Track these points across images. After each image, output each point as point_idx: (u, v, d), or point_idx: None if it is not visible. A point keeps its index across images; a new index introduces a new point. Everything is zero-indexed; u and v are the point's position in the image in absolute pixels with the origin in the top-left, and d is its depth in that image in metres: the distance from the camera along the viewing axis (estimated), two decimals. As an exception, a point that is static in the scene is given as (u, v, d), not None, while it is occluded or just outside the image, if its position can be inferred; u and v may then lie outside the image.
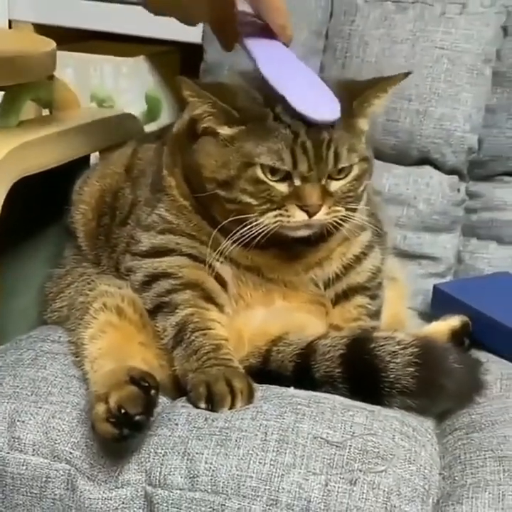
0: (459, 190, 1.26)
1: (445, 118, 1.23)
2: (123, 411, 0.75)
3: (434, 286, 1.15)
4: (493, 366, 0.98)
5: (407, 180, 1.25)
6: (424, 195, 1.25)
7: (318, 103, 0.84)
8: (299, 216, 0.85)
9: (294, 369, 0.87)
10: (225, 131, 0.86)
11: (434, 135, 1.23)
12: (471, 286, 1.16)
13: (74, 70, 1.63)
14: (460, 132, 1.23)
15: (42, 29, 1.67)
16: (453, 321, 1.04)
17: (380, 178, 1.24)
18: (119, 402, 0.75)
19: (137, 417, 0.75)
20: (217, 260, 0.90)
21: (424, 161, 1.26)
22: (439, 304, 1.14)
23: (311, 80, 0.87)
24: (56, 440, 0.81)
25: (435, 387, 0.84)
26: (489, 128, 1.24)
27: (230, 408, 0.82)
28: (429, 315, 1.12)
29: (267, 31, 0.89)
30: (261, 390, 0.85)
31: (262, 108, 0.85)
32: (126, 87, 1.62)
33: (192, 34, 1.39)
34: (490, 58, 1.24)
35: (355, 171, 0.87)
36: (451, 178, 1.26)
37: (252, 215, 0.85)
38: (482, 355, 1.00)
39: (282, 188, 0.84)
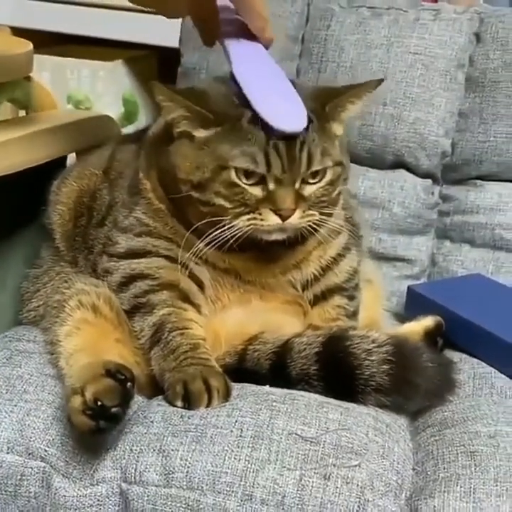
0: (432, 194, 1.28)
1: (419, 122, 1.25)
2: (99, 403, 0.75)
3: (408, 288, 1.17)
4: (465, 366, 0.99)
5: (382, 184, 1.27)
6: (399, 199, 1.26)
7: (286, 112, 0.84)
8: (273, 220, 0.85)
9: (270, 367, 0.88)
10: (200, 133, 0.86)
11: (409, 139, 1.25)
12: (444, 287, 1.17)
13: (51, 74, 1.63)
14: (434, 136, 1.25)
15: (19, 33, 1.66)
16: (427, 322, 1.05)
17: (355, 181, 1.26)
18: (95, 395, 0.75)
19: (114, 409, 0.75)
20: (193, 262, 0.91)
21: (399, 164, 1.28)
22: (413, 305, 1.15)
23: (282, 86, 0.88)
24: (31, 438, 0.81)
25: (409, 385, 0.85)
26: (462, 132, 1.26)
27: (207, 407, 0.82)
28: (404, 316, 1.13)
29: (247, 31, 0.89)
30: (237, 388, 0.85)
31: (237, 109, 0.85)
32: (103, 91, 1.62)
33: (169, 38, 1.40)
34: (463, 63, 1.26)
35: (329, 176, 0.88)
36: (425, 181, 1.28)
37: (225, 217, 0.85)
38: (455, 355, 1.02)
39: (256, 191, 0.85)
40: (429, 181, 1.28)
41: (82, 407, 0.76)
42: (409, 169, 1.27)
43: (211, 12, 0.86)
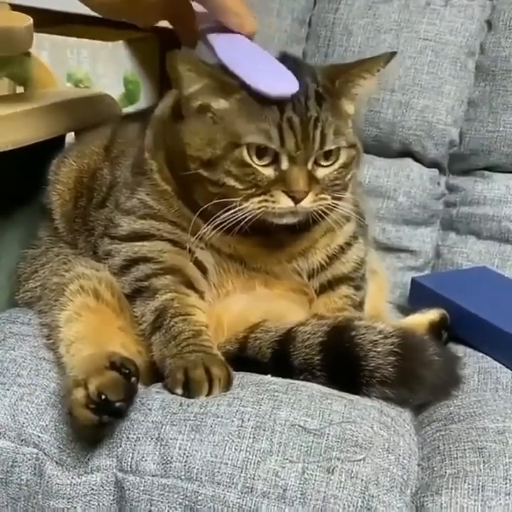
0: (439, 184, 1.26)
1: (427, 110, 1.22)
2: (103, 397, 0.72)
3: (412, 279, 1.14)
4: (470, 360, 0.97)
5: (388, 173, 1.25)
6: (405, 188, 1.24)
7: (276, 80, 0.83)
8: (285, 202, 0.83)
9: (272, 356, 0.86)
10: (219, 105, 0.83)
11: (416, 127, 1.23)
12: (449, 279, 1.15)
13: (50, 53, 1.59)
14: (442, 125, 1.22)
15: (20, 10, 1.62)
16: (431, 314, 1.03)
17: (360, 169, 1.23)
18: (99, 388, 0.73)
19: (118, 404, 0.73)
20: (198, 246, 0.88)
21: (405, 153, 1.25)
22: (417, 297, 1.12)
23: (268, 60, 0.86)
24: (24, 423, 0.78)
25: (414, 378, 0.83)
26: (471, 122, 1.23)
27: (207, 395, 0.80)
28: (407, 309, 1.11)
29: (228, 28, 0.88)
30: (238, 377, 0.83)
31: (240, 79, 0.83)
32: (104, 71, 1.59)
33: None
34: (473, 51, 1.23)
35: (343, 158, 0.86)
36: (431, 171, 1.25)
37: (235, 199, 0.83)
38: (460, 349, 1.00)
39: (268, 172, 0.82)
40: (435, 171, 1.25)
41: (84, 401, 0.73)
42: (416, 158, 1.25)
43: (188, 15, 0.86)
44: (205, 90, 0.83)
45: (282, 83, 0.82)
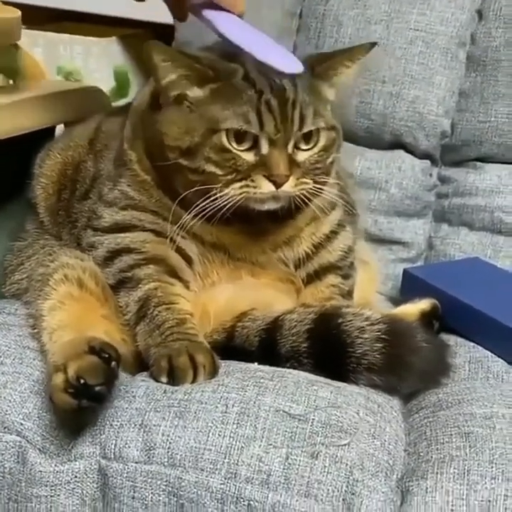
0: (431, 175, 1.25)
1: (418, 101, 1.22)
2: (82, 381, 0.72)
3: (404, 270, 1.14)
4: (461, 349, 0.97)
5: (380, 164, 1.24)
6: (396, 180, 1.23)
7: (282, 58, 0.84)
8: (266, 187, 0.82)
9: (260, 344, 0.85)
10: (194, 93, 0.83)
11: (407, 118, 1.22)
12: (441, 270, 1.14)
13: (43, 50, 1.59)
14: (433, 116, 1.22)
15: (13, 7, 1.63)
16: (422, 304, 1.02)
17: (352, 161, 1.23)
18: (78, 372, 0.72)
19: (97, 388, 0.72)
20: (181, 236, 0.88)
21: (397, 144, 1.24)
22: (409, 288, 1.12)
23: (270, 41, 0.87)
24: (6, 411, 0.78)
25: (402, 364, 0.82)
26: (462, 112, 1.23)
27: (192, 383, 0.79)
28: (399, 300, 1.10)
29: (218, 5, 0.89)
30: (224, 365, 0.83)
31: (232, 65, 0.84)
32: (96, 67, 1.59)
33: (164, 15, 1.37)
34: (464, 42, 1.23)
35: (323, 141, 0.85)
36: (423, 162, 1.24)
37: (216, 186, 0.82)
38: (451, 339, 0.99)
39: (248, 157, 0.82)
40: (427, 162, 1.24)
41: (63, 385, 0.72)
42: (408, 149, 1.24)
43: None
44: (180, 80, 0.83)
45: (291, 62, 0.83)
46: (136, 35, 1.65)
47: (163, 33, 1.47)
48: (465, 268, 1.14)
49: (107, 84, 1.49)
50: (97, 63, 1.58)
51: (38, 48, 1.58)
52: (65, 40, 1.61)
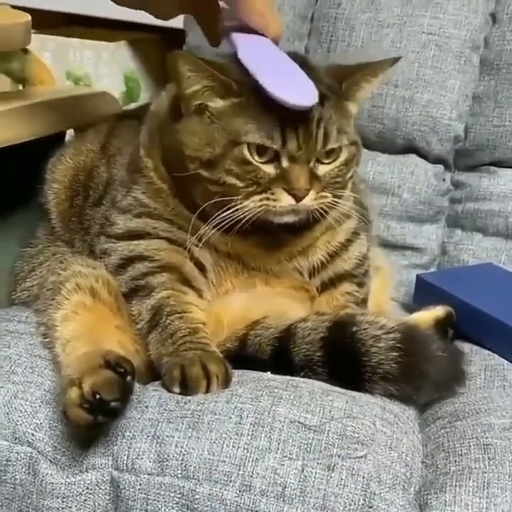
0: (444, 180, 1.24)
1: (431, 105, 1.20)
2: (98, 397, 0.71)
3: (417, 276, 1.13)
4: (476, 357, 0.95)
5: (392, 169, 1.23)
6: (409, 185, 1.22)
7: (297, 89, 0.81)
8: (286, 200, 0.81)
9: (273, 353, 0.84)
10: (216, 104, 0.82)
11: (420, 122, 1.21)
12: (454, 276, 1.13)
13: (53, 54, 1.59)
14: (446, 120, 1.21)
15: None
16: (437, 311, 1.01)
17: (364, 166, 1.22)
18: (93, 388, 0.71)
19: (113, 404, 0.71)
20: (196, 245, 0.87)
21: (410, 149, 1.23)
22: (422, 294, 1.11)
23: (290, 68, 0.85)
24: (18, 421, 0.77)
25: (418, 373, 0.81)
26: (476, 116, 1.21)
27: (205, 393, 0.78)
28: (412, 307, 1.09)
29: (252, 29, 0.86)
30: (237, 374, 0.81)
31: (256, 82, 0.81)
32: (106, 72, 1.58)
33: (174, 19, 1.37)
34: (478, 45, 1.22)
35: (344, 155, 0.84)
36: (436, 167, 1.23)
37: (236, 197, 0.81)
38: (465, 346, 0.98)
39: (269, 169, 0.81)
40: (440, 167, 1.23)
41: (79, 400, 0.71)
42: (421, 154, 1.23)
43: (213, 11, 0.84)
44: (204, 90, 0.82)
45: (302, 93, 0.80)
46: (145, 40, 1.65)
47: (172, 37, 1.47)
48: (479, 274, 1.13)
49: (117, 89, 1.49)
50: (107, 68, 1.58)
51: (48, 52, 1.58)
52: (74, 45, 1.60)
